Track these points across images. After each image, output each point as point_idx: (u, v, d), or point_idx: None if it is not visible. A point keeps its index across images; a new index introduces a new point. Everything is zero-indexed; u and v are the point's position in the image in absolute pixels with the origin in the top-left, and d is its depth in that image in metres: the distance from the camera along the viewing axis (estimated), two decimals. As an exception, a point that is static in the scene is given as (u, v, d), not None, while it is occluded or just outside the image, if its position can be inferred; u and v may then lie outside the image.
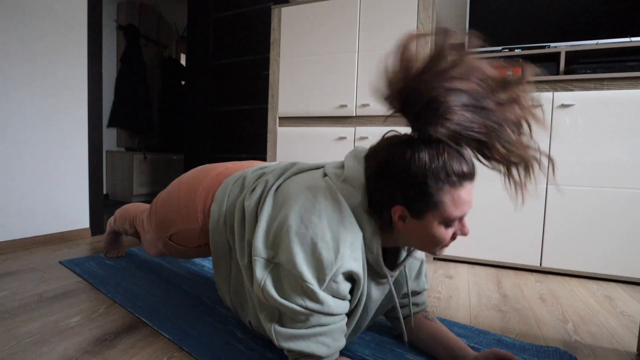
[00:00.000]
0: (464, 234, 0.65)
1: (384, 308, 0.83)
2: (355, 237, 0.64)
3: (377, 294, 0.74)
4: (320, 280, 0.61)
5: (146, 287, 1.20)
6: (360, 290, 0.68)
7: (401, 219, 0.64)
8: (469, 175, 0.61)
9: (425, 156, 0.59)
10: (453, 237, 0.65)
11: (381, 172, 0.64)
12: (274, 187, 0.77)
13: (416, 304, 0.89)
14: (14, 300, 1.07)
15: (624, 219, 1.44)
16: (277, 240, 0.67)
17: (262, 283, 0.65)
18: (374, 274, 0.71)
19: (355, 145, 1.92)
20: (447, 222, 0.62)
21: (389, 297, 0.80)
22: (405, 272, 0.81)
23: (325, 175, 0.75)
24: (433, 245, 0.65)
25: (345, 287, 0.64)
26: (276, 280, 0.65)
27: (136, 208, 1.28)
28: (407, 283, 0.81)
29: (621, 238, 1.45)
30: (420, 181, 0.60)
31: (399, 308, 0.78)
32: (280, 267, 0.65)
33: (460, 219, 0.64)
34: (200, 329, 0.93)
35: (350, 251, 0.63)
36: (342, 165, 0.77)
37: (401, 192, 0.62)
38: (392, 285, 0.74)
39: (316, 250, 0.62)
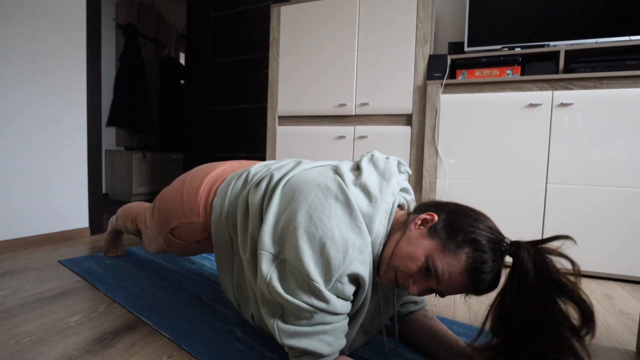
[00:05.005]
0: (404, 285, 0.66)
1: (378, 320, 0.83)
2: (364, 242, 0.64)
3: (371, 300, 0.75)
4: (327, 279, 0.61)
5: (145, 287, 1.20)
6: (365, 293, 0.68)
7: (423, 222, 0.68)
8: (474, 280, 0.61)
9: (488, 234, 0.62)
10: (396, 282, 0.68)
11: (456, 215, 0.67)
12: (283, 182, 0.76)
13: (415, 302, 0.90)
14: (13, 300, 1.07)
15: (623, 218, 1.44)
16: (284, 236, 0.67)
17: (268, 278, 0.65)
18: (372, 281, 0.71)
19: (355, 144, 1.92)
20: (428, 264, 0.63)
21: (386, 298, 0.80)
22: (394, 290, 0.81)
23: (336, 173, 0.75)
24: (396, 266, 0.66)
25: (350, 288, 0.65)
26: (282, 275, 0.65)
27: (139, 206, 1.28)
28: (394, 301, 0.82)
29: (620, 237, 1.45)
30: (464, 225, 0.63)
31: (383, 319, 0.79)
32: (286, 264, 0.65)
33: (425, 279, 0.65)
34: (200, 328, 0.93)
35: (358, 254, 0.63)
36: (357, 168, 0.77)
37: (447, 217, 0.66)
38: (380, 295, 0.75)
39: (324, 250, 0.62)
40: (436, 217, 0.67)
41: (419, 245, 0.64)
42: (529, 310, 0.57)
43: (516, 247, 0.61)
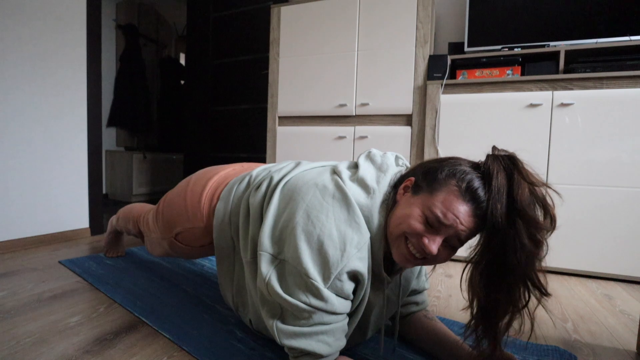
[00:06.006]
0: (421, 250, 0.62)
1: (382, 316, 0.82)
2: (362, 238, 0.64)
3: (372, 297, 0.74)
4: (326, 277, 0.62)
5: (146, 287, 1.20)
6: (364, 290, 0.68)
7: (405, 190, 0.68)
8: (474, 200, 0.60)
9: (466, 164, 0.65)
10: (413, 255, 0.64)
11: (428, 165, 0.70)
12: (282, 183, 0.77)
13: (416, 303, 0.90)
14: (14, 300, 1.07)
15: (623, 218, 1.44)
16: (283, 236, 0.67)
17: (267, 278, 0.65)
18: (373, 277, 0.71)
19: (355, 144, 1.92)
20: (427, 216, 0.61)
21: (392, 300, 0.80)
22: (399, 289, 0.81)
23: (334, 173, 0.75)
24: (401, 231, 0.64)
25: (349, 286, 0.65)
26: (281, 276, 0.66)
27: (141, 208, 1.28)
28: (399, 298, 0.81)
29: (620, 237, 1.45)
30: (439, 167, 0.65)
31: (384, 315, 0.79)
32: (285, 264, 0.65)
33: (435, 232, 0.62)
34: (200, 328, 0.93)
35: (356, 250, 0.63)
36: (355, 166, 0.78)
37: (422, 171, 0.68)
38: (386, 292, 0.75)
39: (322, 248, 0.62)
40: (413, 179, 0.68)
41: (412, 205, 0.64)
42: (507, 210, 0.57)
43: (491, 158, 0.62)
